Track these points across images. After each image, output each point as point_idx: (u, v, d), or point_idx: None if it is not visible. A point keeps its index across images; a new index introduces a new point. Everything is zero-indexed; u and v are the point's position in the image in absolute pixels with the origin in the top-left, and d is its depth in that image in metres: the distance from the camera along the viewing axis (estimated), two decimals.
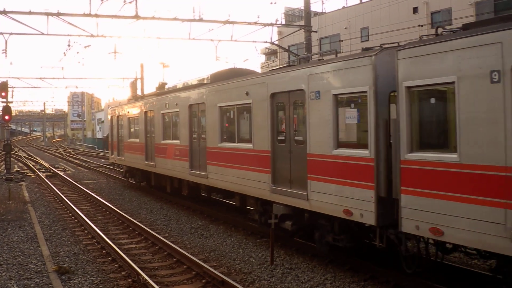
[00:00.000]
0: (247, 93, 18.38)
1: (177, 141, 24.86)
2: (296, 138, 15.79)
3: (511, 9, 36.10)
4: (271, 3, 51.91)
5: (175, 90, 31.24)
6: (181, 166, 24.29)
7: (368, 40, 45.78)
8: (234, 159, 19.37)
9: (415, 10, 43.35)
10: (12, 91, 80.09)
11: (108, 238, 18.36)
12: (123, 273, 14.71)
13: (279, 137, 16.77)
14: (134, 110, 32.60)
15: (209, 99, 21.49)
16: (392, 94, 12.37)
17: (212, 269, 13.85)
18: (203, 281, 13.74)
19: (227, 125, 20.64)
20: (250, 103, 18.21)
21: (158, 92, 31.54)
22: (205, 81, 27.47)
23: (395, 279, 13.09)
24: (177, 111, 24.84)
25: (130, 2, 31.32)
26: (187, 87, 26.61)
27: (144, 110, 29.80)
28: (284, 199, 16.12)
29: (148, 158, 29.22)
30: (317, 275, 14.09)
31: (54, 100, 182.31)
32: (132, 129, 33.24)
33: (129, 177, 35.57)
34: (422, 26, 40.48)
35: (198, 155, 22.65)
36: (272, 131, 16.89)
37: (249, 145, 18.33)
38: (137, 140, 31.37)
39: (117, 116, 36.73)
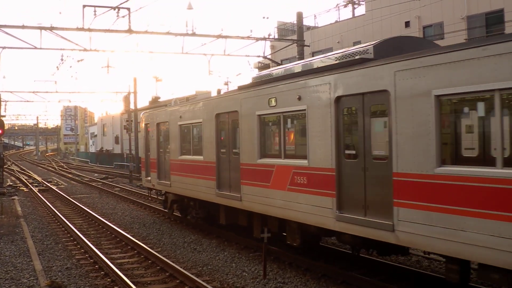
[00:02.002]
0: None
1: (304, 162, 14.76)
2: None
3: (502, 23, 36.31)
4: (264, 17, 52.20)
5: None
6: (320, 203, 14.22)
7: None
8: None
9: (407, 24, 43.55)
10: (5, 105, 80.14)
11: (100, 252, 18.28)
12: (115, 287, 14.68)
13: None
14: (192, 114, 22.03)
15: None
16: None
17: (205, 284, 13.82)
18: None
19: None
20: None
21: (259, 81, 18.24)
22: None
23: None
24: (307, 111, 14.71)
25: (123, 17, 31.55)
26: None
27: (216, 113, 19.71)
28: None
29: (225, 186, 19.27)
30: None
31: (47, 114, 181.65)
32: (188, 142, 23.03)
33: (176, 209, 25.32)
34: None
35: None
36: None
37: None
38: (199, 157, 21.23)
39: (157, 124, 26.30)
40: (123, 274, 15.24)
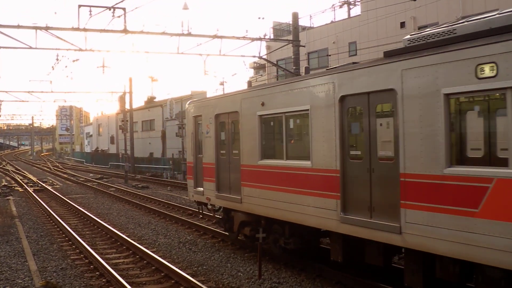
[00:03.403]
0: None
1: None
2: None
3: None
4: (259, 18, 52.27)
5: None
6: None
7: (356, 54, 46.00)
8: None
9: (402, 24, 43.62)
10: (0, 104, 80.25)
11: (96, 252, 18.28)
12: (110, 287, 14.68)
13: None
14: (288, 98, 15.14)
15: None
16: None
17: (200, 284, 13.81)
18: None
19: None
20: None
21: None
22: None
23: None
24: None
25: (119, 17, 31.45)
26: None
27: (341, 95, 12.96)
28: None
29: (357, 208, 12.69)
30: None
31: (43, 114, 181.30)
32: (278, 140, 16.29)
33: (247, 233, 18.05)
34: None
35: None
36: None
37: None
38: (303, 163, 14.52)
39: (216, 117, 19.17)
40: (118, 274, 15.22)
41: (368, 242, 12.65)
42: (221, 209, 20.42)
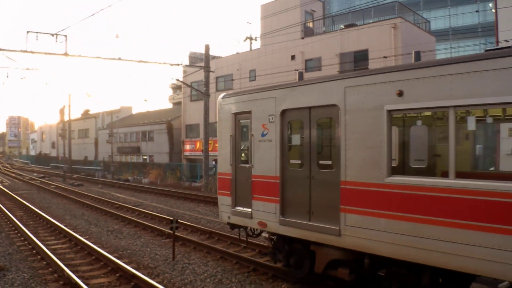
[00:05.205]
0: None
1: None
2: None
3: (366, 60, 37.59)
4: (177, 48, 52.35)
5: None
6: None
7: (255, 80, 46.60)
8: None
9: (293, 57, 44.33)
10: None
11: (38, 239, 17.85)
12: (50, 269, 14.36)
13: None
14: (460, 85, 8.11)
15: None
16: None
17: (124, 265, 13.77)
18: (117, 274, 13.60)
19: None
20: None
21: None
22: None
23: (273, 271, 13.43)
24: None
25: (61, 42, 31.01)
26: None
27: None
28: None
29: None
30: (210, 268, 14.21)
31: None
32: (421, 146, 9.44)
33: (347, 277, 10.48)
34: (297, 70, 41.70)
35: None
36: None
37: None
38: (493, 186, 7.74)
39: (282, 114, 11.62)
40: (57, 258, 14.96)
41: None
42: (256, 232, 13.77)
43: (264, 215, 12.14)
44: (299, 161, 11.37)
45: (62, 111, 65.43)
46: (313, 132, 10.93)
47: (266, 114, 12.10)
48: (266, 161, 12.08)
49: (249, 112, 12.76)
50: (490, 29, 62.08)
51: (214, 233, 19.09)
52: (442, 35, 72.07)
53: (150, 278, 12.87)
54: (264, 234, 12.79)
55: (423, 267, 8.84)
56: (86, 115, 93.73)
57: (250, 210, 12.63)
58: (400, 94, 8.84)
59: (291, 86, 11.46)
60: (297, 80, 11.98)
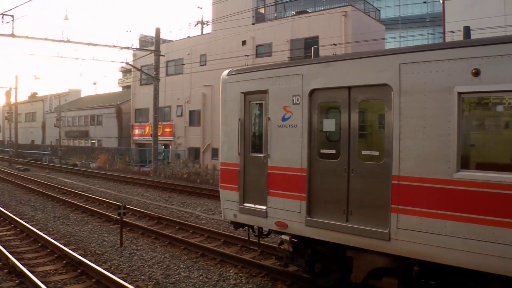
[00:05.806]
0: None
1: None
2: None
3: (317, 46, 37.84)
4: (127, 31, 51.57)
5: None
6: None
7: (205, 64, 46.44)
8: None
9: (243, 42, 44.29)
10: None
11: None
12: None
13: None
14: None
15: None
16: None
17: (71, 252, 13.65)
18: (64, 262, 13.48)
19: None
20: None
21: None
22: None
23: (221, 256, 13.57)
24: None
25: (7, 23, 30.20)
26: None
27: None
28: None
29: None
30: (158, 254, 14.26)
31: None
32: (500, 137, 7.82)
33: None
34: (248, 56, 41.84)
35: None
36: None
37: None
38: None
39: (311, 94, 9.73)
40: (1, 245, 14.71)
41: None
42: (271, 233, 12.29)
43: (285, 214, 10.24)
44: (333, 151, 9.54)
45: (8, 94, 63.74)
46: (353, 116, 9.16)
47: (288, 94, 10.16)
48: (287, 150, 10.20)
49: (265, 92, 10.77)
50: (437, 20, 63.59)
51: (163, 218, 19.12)
52: (391, 23, 73.29)
53: (97, 264, 12.82)
54: (284, 237, 10.62)
55: (491, 276, 7.46)
56: (33, 98, 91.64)
57: (264, 207, 10.74)
58: (477, 73, 7.39)
59: (325, 61, 9.62)
60: (298, 59, 9.94)
